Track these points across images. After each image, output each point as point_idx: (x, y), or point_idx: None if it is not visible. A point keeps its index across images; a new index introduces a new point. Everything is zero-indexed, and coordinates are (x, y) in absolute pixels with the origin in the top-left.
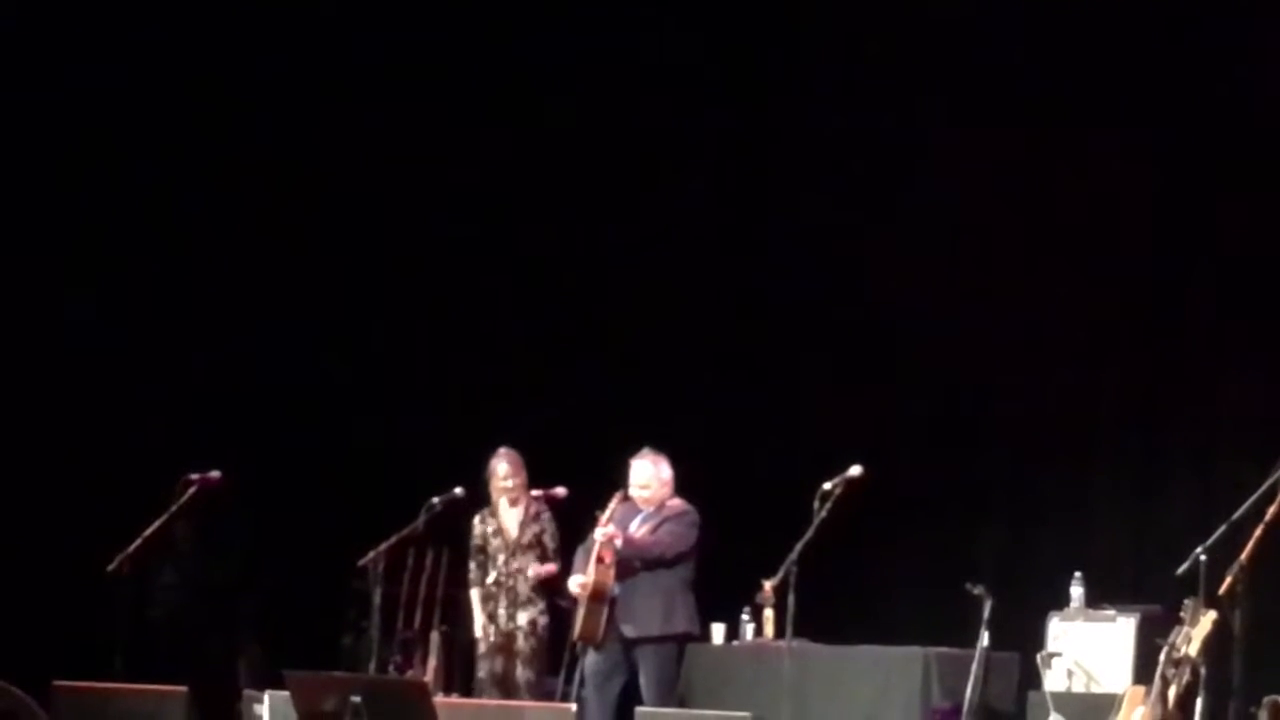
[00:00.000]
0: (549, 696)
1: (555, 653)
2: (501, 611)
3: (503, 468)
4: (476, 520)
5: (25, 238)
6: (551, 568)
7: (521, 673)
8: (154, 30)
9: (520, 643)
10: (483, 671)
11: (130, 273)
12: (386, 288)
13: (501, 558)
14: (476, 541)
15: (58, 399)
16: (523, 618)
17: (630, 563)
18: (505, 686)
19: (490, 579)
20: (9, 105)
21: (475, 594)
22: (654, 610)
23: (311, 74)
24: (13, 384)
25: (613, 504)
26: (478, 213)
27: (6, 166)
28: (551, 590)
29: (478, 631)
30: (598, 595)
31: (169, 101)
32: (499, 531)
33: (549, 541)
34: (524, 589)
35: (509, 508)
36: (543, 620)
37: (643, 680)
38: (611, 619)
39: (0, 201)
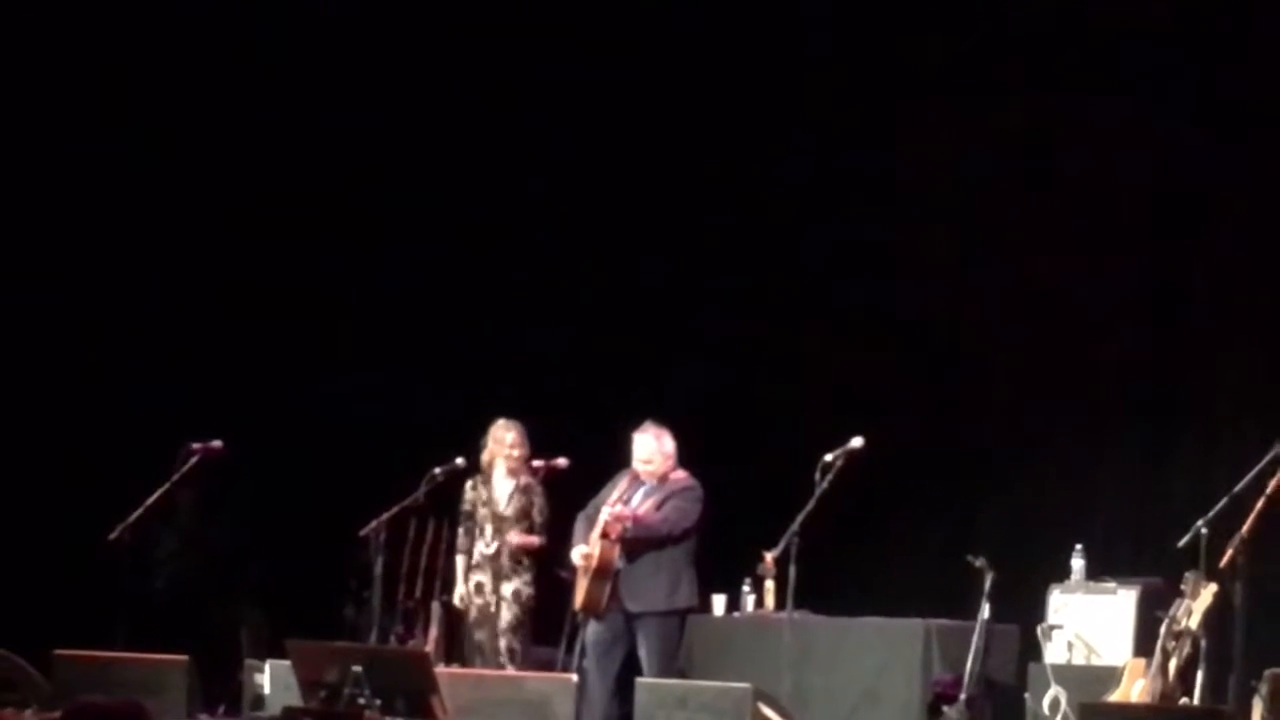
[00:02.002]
0: (539, 665)
1: (553, 623)
2: (486, 582)
3: (511, 436)
4: (468, 486)
5: (30, 203)
6: (534, 539)
7: (504, 642)
8: None
9: (504, 613)
10: (473, 639)
11: (134, 239)
12: (385, 258)
13: (489, 528)
14: (466, 507)
15: (59, 367)
16: (507, 589)
17: (637, 541)
18: (487, 655)
19: (479, 549)
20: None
21: (461, 560)
22: (659, 585)
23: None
24: (14, 352)
25: (623, 484)
26: (476, 185)
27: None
28: (539, 560)
29: (457, 600)
30: (602, 570)
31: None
32: (489, 501)
33: (537, 515)
34: (508, 561)
35: (504, 477)
36: (527, 591)
37: (643, 653)
38: (614, 592)
39: (4, 166)
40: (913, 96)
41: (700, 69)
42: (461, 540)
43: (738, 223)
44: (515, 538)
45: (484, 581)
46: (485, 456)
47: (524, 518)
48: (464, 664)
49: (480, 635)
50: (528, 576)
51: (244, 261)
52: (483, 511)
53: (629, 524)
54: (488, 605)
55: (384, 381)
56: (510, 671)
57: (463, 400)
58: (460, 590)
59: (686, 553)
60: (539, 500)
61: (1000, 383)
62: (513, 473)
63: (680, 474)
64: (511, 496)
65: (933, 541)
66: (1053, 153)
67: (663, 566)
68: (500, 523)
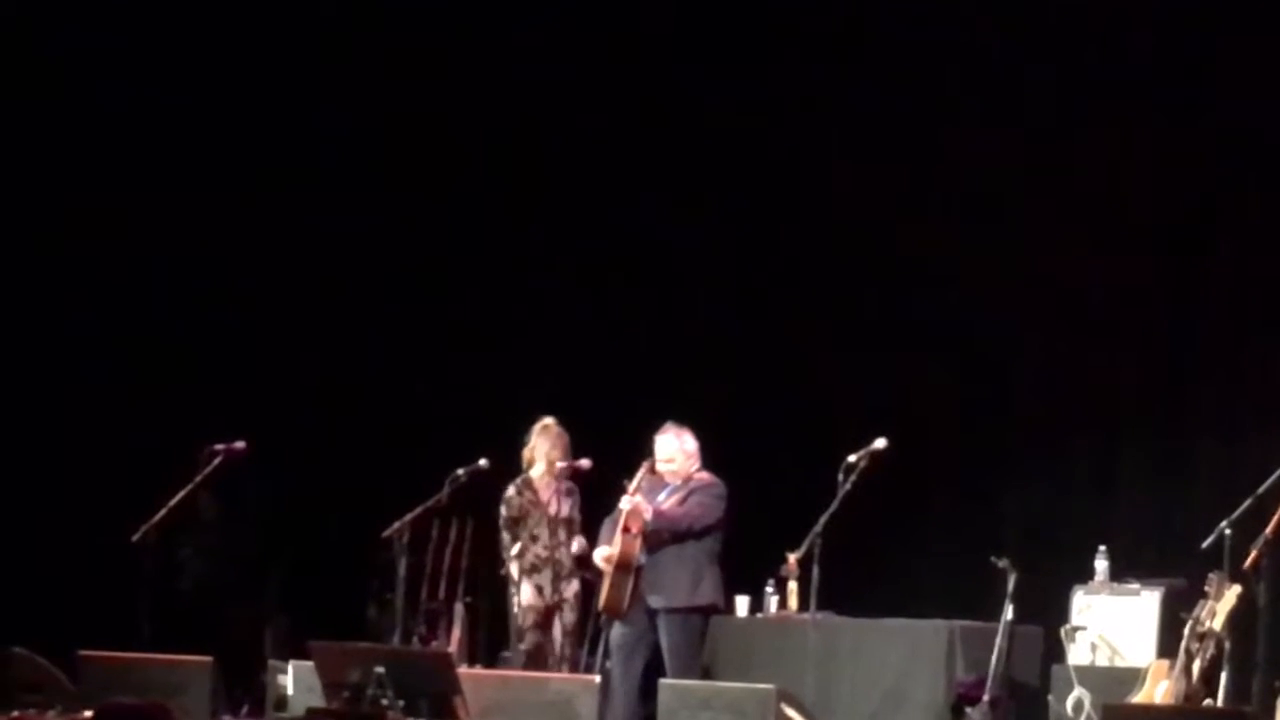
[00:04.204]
0: (579, 668)
1: (580, 624)
2: (546, 585)
3: (564, 440)
4: (512, 491)
5: (53, 207)
6: (585, 543)
7: (564, 646)
8: None
9: (567, 615)
10: (527, 644)
11: (159, 240)
12: (413, 259)
13: (544, 531)
14: (513, 513)
15: (83, 369)
16: (568, 590)
17: (659, 534)
18: (544, 659)
19: (534, 553)
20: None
21: (515, 567)
22: (681, 581)
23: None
24: (39, 354)
25: (640, 474)
26: (501, 184)
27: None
28: (580, 564)
29: (526, 604)
30: (624, 565)
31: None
32: (537, 504)
33: (577, 516)
34: (568, 562)
35: (547, 479)
36: (578, 593)
37: (665, 650)
38: (637, 590)
39: (36, 161)
40: (929, 102)
41: (712, 72)
42: (510, 547)
43: (761, 227)
44: (577, 545)
45: (544, 585)
46: (528, 454)
47: (571, 520)
48: (492, 666)
49: (538, 638)
50: (578, 579)
51: (268, 261)
52: (535, 515)
53: (649, 517)
54: (550, 609)
55: (407, 381)
56: (531, 672)
57: (486, 401)
58: (527, 595)
59: (709, 550)
60: (577, 501)
61: (1023, 383)
62: (552, 474)
63: (704, 473)
64: (558, 499)
65: (956, 542)
66: (1072, 156)
67: (685, 562)
68: (556, 525)
